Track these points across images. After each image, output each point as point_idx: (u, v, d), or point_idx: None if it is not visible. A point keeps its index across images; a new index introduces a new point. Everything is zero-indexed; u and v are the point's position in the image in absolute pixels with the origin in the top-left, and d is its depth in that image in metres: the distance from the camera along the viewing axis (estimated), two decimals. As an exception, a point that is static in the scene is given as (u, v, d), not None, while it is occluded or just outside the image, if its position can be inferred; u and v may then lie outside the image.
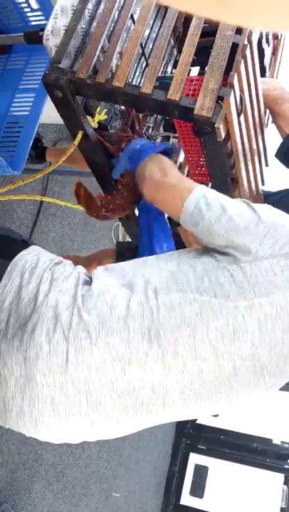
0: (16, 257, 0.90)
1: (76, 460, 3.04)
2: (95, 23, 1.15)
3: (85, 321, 0.80)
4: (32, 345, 0.79)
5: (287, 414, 4.40)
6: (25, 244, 0.97)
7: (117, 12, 1.17)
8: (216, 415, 4.35)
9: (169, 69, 1.54)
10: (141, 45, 1.31)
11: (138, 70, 1.38)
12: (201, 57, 1.19)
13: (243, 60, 1.02)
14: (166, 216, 1.17)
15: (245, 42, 1.06)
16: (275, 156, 1.29)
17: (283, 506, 4.18)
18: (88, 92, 1.08)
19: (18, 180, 1.14)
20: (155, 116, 1.41)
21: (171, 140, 1.68)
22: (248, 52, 1.04)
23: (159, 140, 1.48)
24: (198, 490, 4.53)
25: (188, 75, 1.05)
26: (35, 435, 0.86)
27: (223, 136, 0.99)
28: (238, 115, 1.02)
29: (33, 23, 1.55)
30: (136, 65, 1.35)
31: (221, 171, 1.12)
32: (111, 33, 1.15)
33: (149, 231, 1.16)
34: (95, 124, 1.18)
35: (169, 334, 0.79)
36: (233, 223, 0.85)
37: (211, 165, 1.12)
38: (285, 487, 4.22)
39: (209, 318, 0.79)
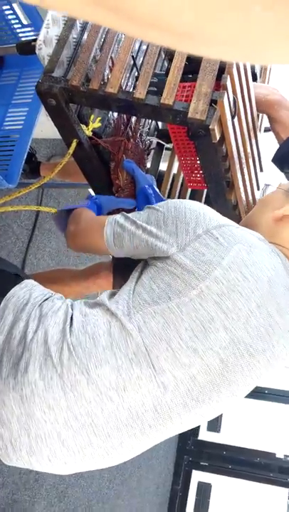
0: (8, 294, 0.91)
1: (78, 480, 2.99)
2: (86, 33, 1.17)
3: (74, 355, 0.80)
4: (26, 383, 0.79)
5: (289, 427, 4.35)
6: (18, 278, 0.97)
7: (108, 22, 1.18)
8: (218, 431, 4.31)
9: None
10: (132, 56, 1.33)
11: (130, 80, 1.39)
12: (193, 64, 1.20)
13: (235, 63, 1.03)
14: None
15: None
16: (272, 161, 1.30)
17: (289, 521, 4.11)
18: (82, 100, 1.08)
19: (13, 192, 1.14)
20: (149, 121, 1.42)
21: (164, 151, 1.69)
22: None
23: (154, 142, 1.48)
24: (202, 508, 4.45)
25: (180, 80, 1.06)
26: (53, 471, 0.85)
27: (217, 138, 1.00)
28: (232, 117, 1.03)
29: (24, 38, 1.57)
30: (128, 75, 1.36)
31: (216, 175, 1.12)
32: (102, 43, 1.16)
33: None
34: (89, 133, 1.18)
35: (151, 354, 0.79)
36: (147, 230, 0.88)
37: (206, 168, 1.12)
38: (290, 501, 4.16)
39: (175, 322, 0.79)
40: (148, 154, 1.43)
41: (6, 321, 0.86)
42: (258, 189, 1.36)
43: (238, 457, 4.45)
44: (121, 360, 0.79)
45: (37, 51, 1.06)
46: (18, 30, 1.56)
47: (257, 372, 0.84)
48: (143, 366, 0.79)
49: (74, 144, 1.15)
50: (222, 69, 1.04)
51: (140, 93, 1.03)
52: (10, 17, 1.53)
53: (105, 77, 1.12)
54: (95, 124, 1.18)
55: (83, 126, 1.16)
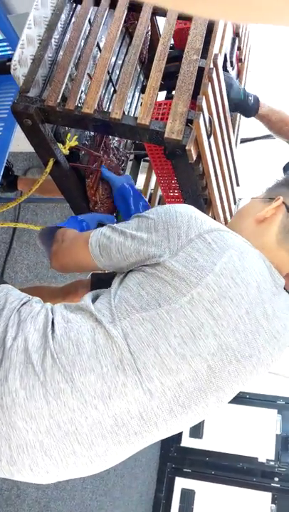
0: None
1: (60, 492, 2.96)
2: (61, 52, 1.17)
3: (57, 362, 0.78)
4: (7, 392, 0.77)
5: (271, 432, 4.38)
6: None
7: (82, 40, 1.18)
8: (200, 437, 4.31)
9: (137, 94, 1.56)
10: (108, 72, 1.33)
11: (106, 96, 1.39)
12: (168, 81, 1.21)
13: (209, 83, 1.04)
14: None
15: (211, 65, 1.08)
16: (284, 169, 1.35)
17: (272, 525, 4.13)
18: (58, 120, 1.08)
19: (-10, 209, 1.13)
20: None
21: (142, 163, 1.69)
22: (214, 75, 1.06)
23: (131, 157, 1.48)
24: (186, 515, 4.44)
25: (156, 99, 1.07)
26: (35, 480, 0.83)
27: (194, 158, 1.00)
28: (208, 137, 1.04)
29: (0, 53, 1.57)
30: (104, 91, 1.37)
31: (193, 193, 1.13)
32: (78, 61, 1.16)
33: None
34: (66, 151, 1.18)
35: (138, 360, 0.78)
36: (137, 238, 0.87)
37: (184, 187, 1.12)
38: (273, 506, 4.18)
39: (164, 329, 0.79)
40: (123, 169, 1.43)
41: None
42: (235, 203, 1.37)
43: (220, 463, 4.46)
44: (106, 367, 0.78)
45: (12, 71, 1.05)
46: (-8, 45, 1.56)
47: (243, 378, 0.84)
48: (128, 373, 0.78)
49: (51, 163, 1.14)
50: (197, 87, 1.05)
51: (116, 113, 1.03)
52: (-16, 31, 1.52)
53: (82, 96, 1.11)
54: (71, 142, 1.18)
55: (60, 145, 1.16)
